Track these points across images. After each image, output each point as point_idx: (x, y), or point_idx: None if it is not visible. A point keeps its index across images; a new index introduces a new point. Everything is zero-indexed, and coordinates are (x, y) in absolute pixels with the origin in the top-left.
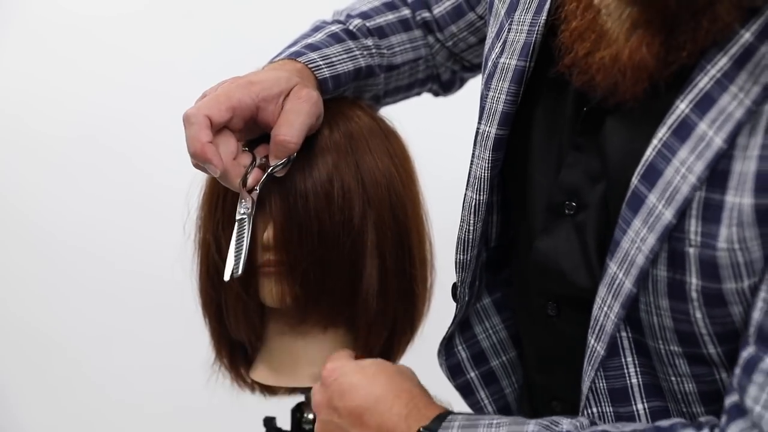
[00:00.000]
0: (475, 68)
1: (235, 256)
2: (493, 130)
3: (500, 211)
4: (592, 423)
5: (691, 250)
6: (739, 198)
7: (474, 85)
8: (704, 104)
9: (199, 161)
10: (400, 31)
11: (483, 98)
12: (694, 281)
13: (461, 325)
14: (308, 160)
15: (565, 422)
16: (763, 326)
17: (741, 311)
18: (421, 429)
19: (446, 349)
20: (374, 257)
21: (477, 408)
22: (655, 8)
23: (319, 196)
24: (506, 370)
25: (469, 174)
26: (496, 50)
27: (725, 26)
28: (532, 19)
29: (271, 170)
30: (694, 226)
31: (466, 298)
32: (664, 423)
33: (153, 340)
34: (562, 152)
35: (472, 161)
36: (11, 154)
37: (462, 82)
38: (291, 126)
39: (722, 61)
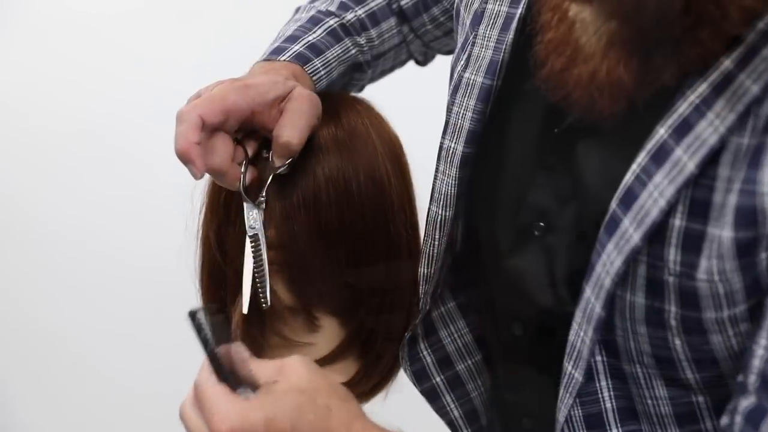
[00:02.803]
0: (449, 53)
1: (259, 283)
2: (460, 148)
3: (465, 218)
4: None
5: (671, 279)
6: (719, 230)
7: None
8: (682, 130)
9: (183, 160)
10: (388, 16)
11: (448, 110)
12: (673, 309)
13: (426, 330)
14: (306, 161)
15: None
16: (766, 375)
17: (720, 340)
18: None
19: (410, 354)
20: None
21: (443, 413)
22: (633, 27)
23: (319, 197)
24: (472, 374)
25: (433, 189)
26: (461, 63)
27: (707, 52)
28: (498, 36)
29: (275, 172)
30: (673, 255)
31: (427, 308)
32: None
33: (154, 338)
34: (531, 171)
35: (436, 176)
36: (13, 149)
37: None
38: (294, 127)
39: (702, 87)
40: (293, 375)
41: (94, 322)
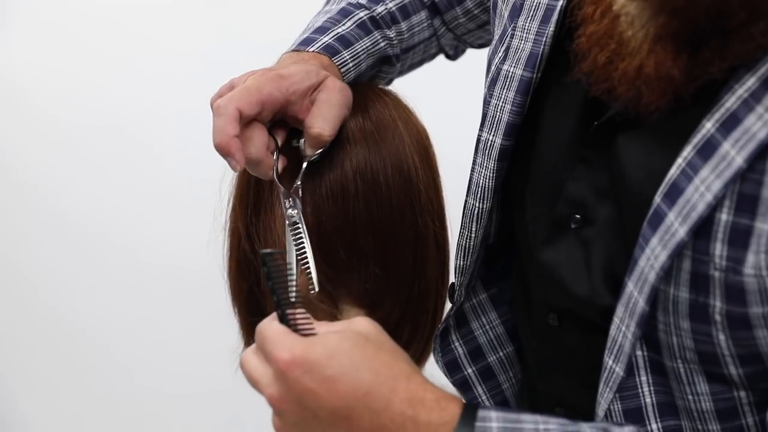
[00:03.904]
0: (481, 47)
1: (305, 269)
2: (498, 141)
3: (500, 209)
4: None
5: (716, 274)
6: (767, 225)
7: None
8: (729, 124)
9: (222, 154)
10: (419, 9)
11: (485, 103)
12: (718, 304)
13: (457, 321)
14: (334, 153)
15: (627, 429)
16: None
17: (765, 335)
18: None
19: (442, 345)
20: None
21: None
22: (683, 21)
23: (346, 188)
24: (504, 366)
25: (470, 180)
26: (500, 55)
27: (758, 47)
28: (538, 29)
29: (308, 161)
30: (719, 250)
31: (462, 299)
32: None
33: (180, 332)
34: (568, 164)
35: (473, 168)
36: (39, 144)
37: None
38: (325, 119)
39: (750, 81)
40: (361, 326)
41: (120, 315)
